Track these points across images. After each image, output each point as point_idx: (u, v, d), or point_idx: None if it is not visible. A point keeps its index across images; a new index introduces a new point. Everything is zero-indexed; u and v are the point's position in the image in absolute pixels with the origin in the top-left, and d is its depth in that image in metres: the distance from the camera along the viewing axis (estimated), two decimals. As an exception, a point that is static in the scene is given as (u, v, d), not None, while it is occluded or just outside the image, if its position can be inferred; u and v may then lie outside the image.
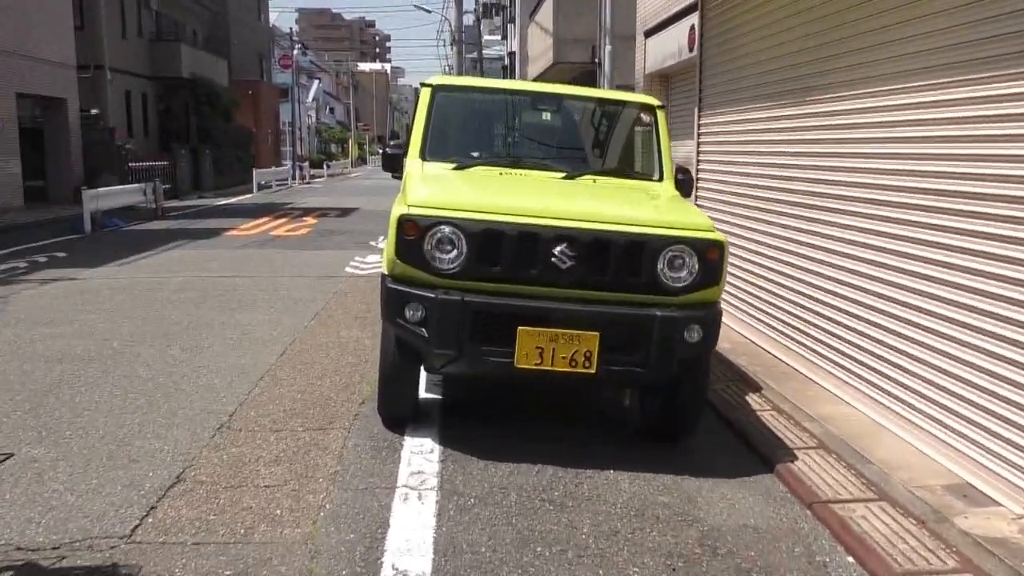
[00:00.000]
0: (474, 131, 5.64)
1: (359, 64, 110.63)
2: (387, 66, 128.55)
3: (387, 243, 4.44)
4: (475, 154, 5.41)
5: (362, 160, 71.12)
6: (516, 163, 5.25)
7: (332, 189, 32.17)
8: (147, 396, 5.17)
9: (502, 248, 4.13)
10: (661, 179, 5.42)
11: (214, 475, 3.94)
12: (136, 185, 18.67)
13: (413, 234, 4.17)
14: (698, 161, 8.80)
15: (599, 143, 5.83)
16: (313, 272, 10.38)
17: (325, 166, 44.68)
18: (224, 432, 4.54)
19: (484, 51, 49.45)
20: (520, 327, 4.08)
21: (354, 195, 27.55)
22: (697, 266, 4.22)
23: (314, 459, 4.19)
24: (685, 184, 5.53)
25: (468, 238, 4.12)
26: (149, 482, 3.84)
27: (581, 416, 5.21)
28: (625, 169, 5.62)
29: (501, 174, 5.10)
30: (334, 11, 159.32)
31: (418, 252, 4.16)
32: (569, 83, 22.19)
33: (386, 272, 4.39)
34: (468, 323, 4.10)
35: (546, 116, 5.57)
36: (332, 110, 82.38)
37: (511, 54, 46.00)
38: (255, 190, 28.72)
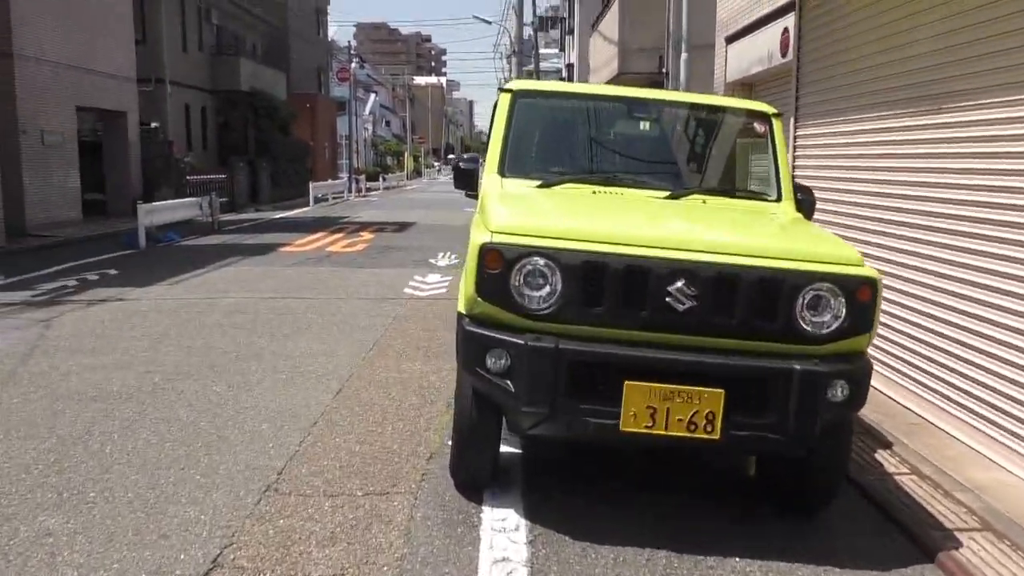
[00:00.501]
0: (560, 142, 4.92)
1: (415, 78, 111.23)
2: (442, 79, 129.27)
3: (464, 276, 3.74)
4: (561, 169, 4.70)
5: (417, 173, 71.13)
6: (610, 180, 4.52)
7: (388, 202, 31.82)
8: (186, 446, 4.55)
9: (605, 284, 3.39)
10: (779, 199, 4.63)
11: (257, 559, 3.27)
12: (192, 199, 18.39)
13: (497, 267, 3.45)
14: (792, 177, 7.95)
15: (699, 157, 5.06)
16: (370, 293, 9.76)
17: (381, 179, 44.51)
18: (271, 497, 3.87)
19: (541, 64, 49.02)
20: (627, 381, 3.34)
21: (410, 208, 27.11)
22: (844, 308, 3.43)
23: (376, 537, 3.49)
24: (806, 205, 4.73)
25: (564, 272, 3.40)
26: (180, 567, 3.18)
27: (688, 475, 4.43)
28: (734, 187, 4.84)
29: (595, 193, 4.38)
30: (391, 25, 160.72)
31: (503, 288, 3.45)
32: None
33: (463, 311, 3.68)
34: (563, 375, 3.37)
35: (643, 125, 4.82)
36: (388, 123, 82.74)
37: (569, 66, 45.43)
38: (311, 203, 28.47)
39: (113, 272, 11.62)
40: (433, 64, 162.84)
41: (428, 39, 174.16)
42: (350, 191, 35.70)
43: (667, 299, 3.37)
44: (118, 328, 7.63)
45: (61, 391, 5.57)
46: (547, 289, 3.44)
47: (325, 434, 4.78)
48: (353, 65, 59.88)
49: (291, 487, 3.99)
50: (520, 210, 3.87)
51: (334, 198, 32.74)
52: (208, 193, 19.07)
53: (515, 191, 4.38)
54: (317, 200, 29.64)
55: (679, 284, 3.36)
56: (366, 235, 17.32)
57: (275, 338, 7.23)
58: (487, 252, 3.47)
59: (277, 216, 23.81)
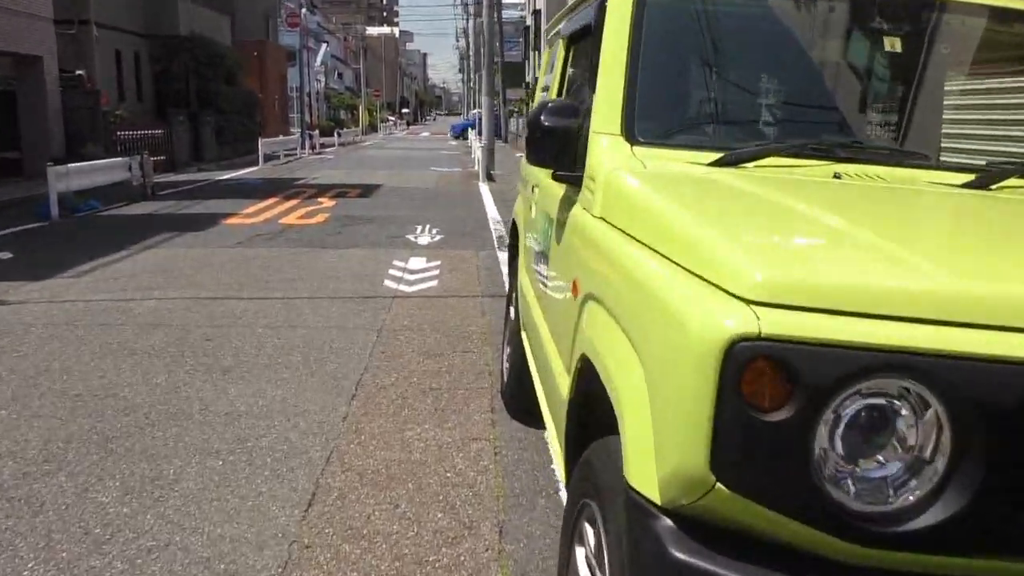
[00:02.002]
0: (732, 80, 2.65)
1: (367, 28, 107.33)
2: (395, 30, 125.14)
3: (654, 415, 1.50)
4: (741, 131, 2.48)
5: (372, 127, 67.89)
6: (844, 152, 2.30)
7: (346, 160, 29.14)
8: None
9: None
10: None
11: None
12: (119, 159, 15.68)
13: (781, 404, 1.25)
14: None
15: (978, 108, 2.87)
16: (341, 289, 7.45)
17: (336, 134, 41.56)
18: None
19: (503, 13, 46.07)
20: None
21: (372, 168, 24.53)
22: None
23: None
24: None
25: (968, 412, 1.22)
26: None
27: None
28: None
29: (838, 180, 2.17)
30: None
31: (797, 466, 1.25)
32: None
33: (648, 494, 1.46)
34: None
35: (888, 45, 2.58)
36: (341, 75, 79.14)
37: (536, 12, 42.70)
38: (261, 161, 25.72)
39: (4, 256, 9.10)
40: (385, 15, 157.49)
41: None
42: (303, 148, 32.87)
43: None
44: (-22, 357, 5.26)
45: None
46: (928, 469, 1.25)
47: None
48: (303, 12, 56.47)
49: None
50: (782, 238, 1.63)
51: (286, 155, 29.94)
52: (139, 152, 16.37)
53: (681, 178, 2.15)
54: (267, 158, 26.89)
55: None
56: (326, 202, 14.86)
57: (209, 375, 4.93)
58: (748, 365, 1.26)
59: (223, 177, 21.12)
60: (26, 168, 18.99)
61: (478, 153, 23.39)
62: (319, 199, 15.28)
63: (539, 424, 4.14)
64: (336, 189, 17.17)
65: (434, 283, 7.77)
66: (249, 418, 4.24)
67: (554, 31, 4.07)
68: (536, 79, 41.48)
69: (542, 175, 3.42)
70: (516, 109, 45.66)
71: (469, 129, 51.16)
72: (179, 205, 14.15)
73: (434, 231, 11.15)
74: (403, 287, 7.56)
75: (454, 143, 46.61)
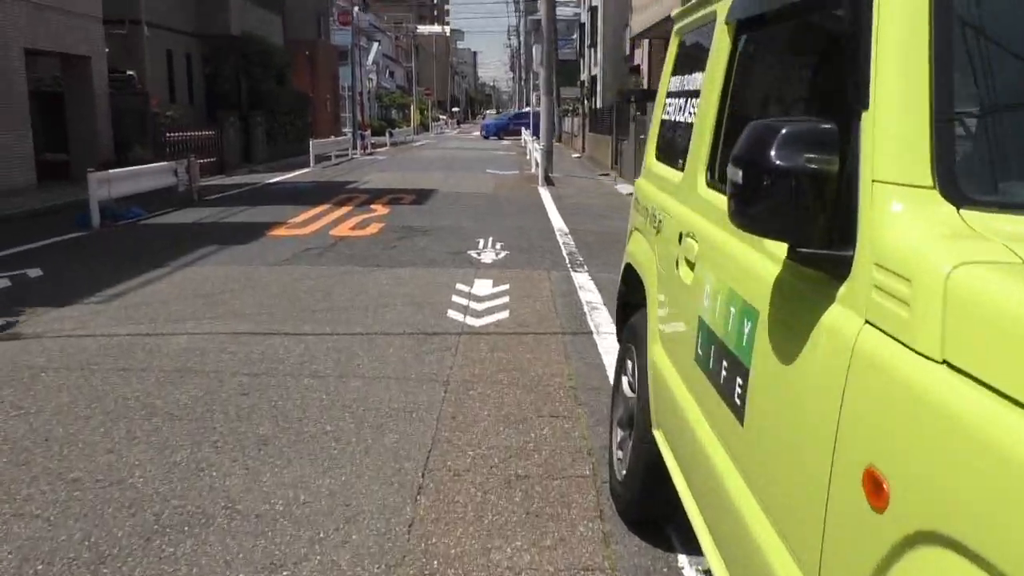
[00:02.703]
0: None
1: (418, 26, 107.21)
2: (446, 28, 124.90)
3: None
4: None
5: (424, 127, 67.26)
6: None
7: (398, 162, 28.35)
8: None
9: None
10: None
11: None
12: (165, 164, 14.96)
13: None
14: None
15: None
16: (400, 320, 6.48)
17: (388, 134, 40.88)
18: None
19: (557, 11, 44.88)
20: None
21: (425, 170, 23.65)
22: None
23: None
24: None
25: None
26: None
27: None
28: None
29: None
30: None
31: None
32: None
33: None
34: None
35: None
36: (392, 74, 78.83)
37: (592, 9, 41.46)
38: (312, 163, 25.01)
39: (33, 274, 8.32)
40: (436, 13, 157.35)
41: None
42: (355, 148, 32.18)
43: None
44: (-29, 416, 4.37)
45: None
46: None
47: None
48: (356, 10, 56.13)
49: None
50: None
51: (338, 157, 29.26)
52: (188, 154, 15.67)
53: None
54: (318, 159, 26.19)
55: None
56: (379, 209, 13.95)
57: (241, 450, 3.96)
58: None
59: (272, 180, 20.42)
60: (73, 171, 18.47)
61: (535, 155, 22.35)
62: (371, 206, 14.38)
63: (669, 544, 3.09)
64: (389, 195, 16.27)
65: (504, 314, 6.75)
66: (286, 523, 3.26)
67: (700, 14, 3.01)
68: (592, 77, 40.22)
69: (709, 222, 2.37)
70: (570, 108, 44.51)
71: (522, 128, 49.68)
72: (225, 212, 13.37)
73: (498, 245, 10.14)
74: (470, 319, 6.55)
75: (507, 142, 45.62)
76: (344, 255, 9.43)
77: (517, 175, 22.50)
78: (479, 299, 7.25)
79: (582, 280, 8.14)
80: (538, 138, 23.26)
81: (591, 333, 6.16)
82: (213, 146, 22.94)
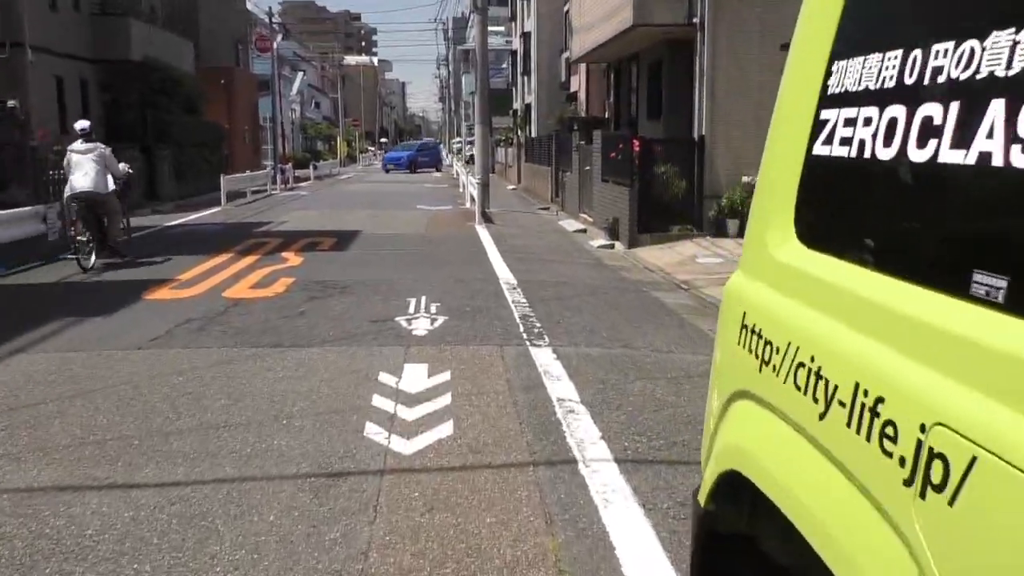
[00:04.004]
0: None
1: (345, 57, 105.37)
2: (374, 59, 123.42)
3: None
4: None
5: (352, 158, 64.91)
6: None
7: (321, 198, 26.13)
8: None
9: None
10: None
11: None
12: (27, 209, 12.57)
13: None
14: None
15: None
16: (292, 449, 4.41)
17: (312, 167, 38.48)
18: None
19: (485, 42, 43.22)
20: None
21: (350, 206, 21.49)
22: None
23: None
24: None
25: None
26: None
27: None
28: None
29: None
30: (319, 3, 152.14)
31: None
32: (651, 62, 16.09)
33: None
34: None
35: None
36: (318, 104, 76.45)
37: (525, 35, 39.94)
38: (223, 201, 22.62)
39: None
40: (364, 44, 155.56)
41: (358, 18, 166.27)
42: (275, 183, 29.81)
43: None
44: None
45: None
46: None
47: None
48: (278, 38, 54.05)
49: None
50: None
51: (255, 193, 26.87)
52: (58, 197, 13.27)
53: None
54: (232, 196, 23.79)
55: None
56: (291, 258, 11.80)
57: None
58: None
59: (174, 223, 18.03)
60: (-66, 216, 15.81)
61: (471, 189, 20.43)
62: (283, 254, 12.22)
63: None
64: (305, 239, 14.11)
65: (447, 426, 4.74)
66: None
67: None
68: (527, 105, 38.56)
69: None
70: (503, 138, 42.91)
71: (417, 159, 47.16)
72: (102, 266, 11.05)
73: (433, 308, 8.14)
74: (397, 441, 4.52)
75: (437, 174, 43.70)
76: (234, 328, 7.29)
77: (451, 211, 20.56)
78: (410, 400, 5.23)
79: (545, 359, 6.20)
80: (467, 164, 21.41)
81: (575, 463, 4.21)
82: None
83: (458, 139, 57.60)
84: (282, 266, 11.01)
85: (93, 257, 10.65)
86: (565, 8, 28.65)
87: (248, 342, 6.77)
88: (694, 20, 13.96)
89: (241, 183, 26.26)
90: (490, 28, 49.75)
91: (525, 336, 6.98)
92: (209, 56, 33.07)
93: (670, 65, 16.04)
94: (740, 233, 13.62)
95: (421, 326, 7.36)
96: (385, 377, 5.71)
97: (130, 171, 12.01)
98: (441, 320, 7.60)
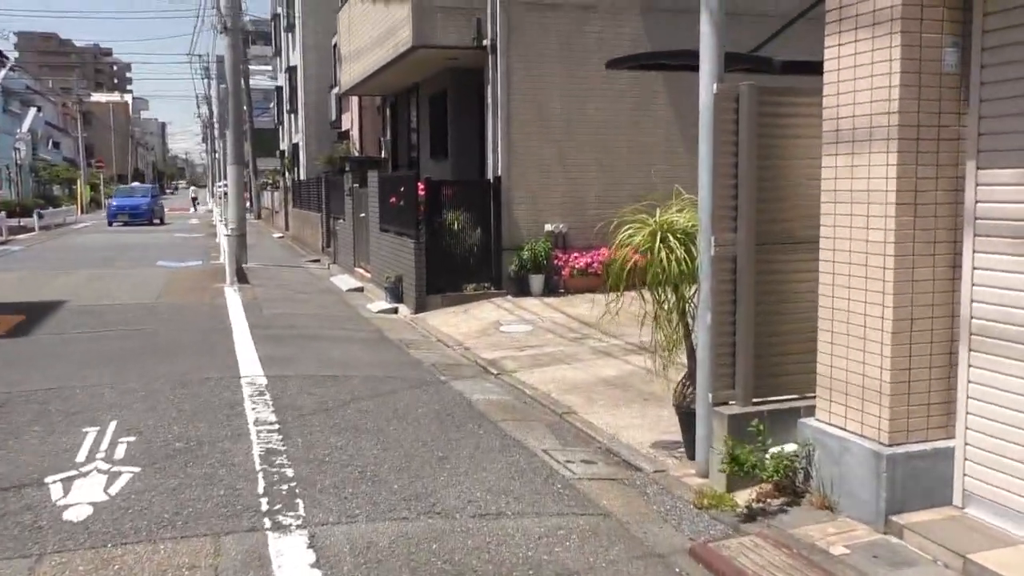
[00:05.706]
0: None
1: (92, 94, 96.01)
2: (128, 97, 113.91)
3: None
4: None
5: (96, 204, 57.67)
6: None
7: (37, 253, 21.44)
8: None
9: None
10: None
11: None
12: None
13: None
14: None
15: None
16: None
17: (36, 215, 32.66)
18: None
19: (251, 81, 39.40)
20: None
21: (69, 265, 17.29)
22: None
23: None
24: None
25: None
26: None
27: None
28: None
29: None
30: (64, 36, 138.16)
31: None
32: (432, 93, 13.69)
33: None
34: None
35: None
36: (57, 145, 68.03)
37: (291, 69, 36.64)
38: None
39: None
40: (116, 81, 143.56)
41: (109, 53, 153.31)
42: (-22, 236, 24.46)
43: None
44: None
45: None
46: None
47: None
48: (3, 72, 47.35)
49: None
50: None
51: (-53, 249, 21.64)
52: None
53: None
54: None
55: None
56: (-68, 353, 8.13)
57: None
58: None
59: None
60: None
61: (223, 240, 17.05)
62: (-75, 346, 8.49)
63: None
64: (-24, 317, 10.29)
65: None
66: None
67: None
68: (294, 145, 35.17)
69: None
70: (270, 181, 39.19)
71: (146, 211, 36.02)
72: None
73: (121, 447, 5.11)
74: None
75: (195, 221, 39.01)
76: None
77: (199, 267, 17.03)
78: None
79: (294, 563, 3.48)
80: (217, 212, 18.05)
81: None
82: None
83: (223, 182, 52.79)
84: (-92, 370, 7.38)
85: None
86: (333, 41, 25.94)
87: None
88: (484, 42, 11.82)
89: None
90: (256, 67, 45.77)
91: (265, 505, 4.19)
92: None
93: (456, 96, 13.83)
94: (545, 291, 11.51)
95: (86, 495, 4.34)
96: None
97: None
98: (126, 477, 4.61)
